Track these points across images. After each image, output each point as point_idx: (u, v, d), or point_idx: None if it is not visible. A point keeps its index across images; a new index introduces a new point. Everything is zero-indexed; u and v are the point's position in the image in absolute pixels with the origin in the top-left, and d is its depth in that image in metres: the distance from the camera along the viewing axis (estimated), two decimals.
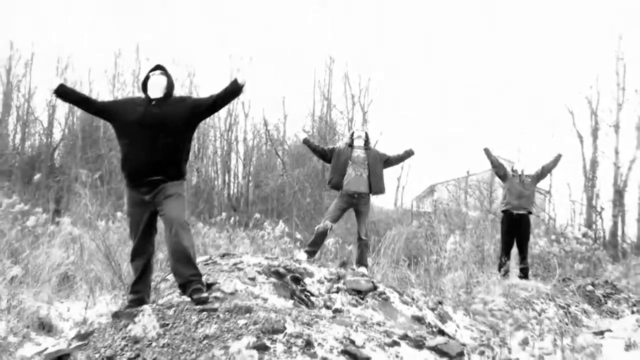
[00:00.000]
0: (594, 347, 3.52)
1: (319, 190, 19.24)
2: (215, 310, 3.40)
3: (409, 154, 6.21)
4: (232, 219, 9.49)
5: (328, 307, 4.30)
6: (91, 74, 23.59)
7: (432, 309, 4.74)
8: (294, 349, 2.95)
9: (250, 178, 22.85)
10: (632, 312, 6.25)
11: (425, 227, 11.91)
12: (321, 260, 6.50)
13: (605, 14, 32.19)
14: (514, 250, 7.22)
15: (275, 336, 3.04)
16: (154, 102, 3.80)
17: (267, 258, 5.09)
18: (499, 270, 6.86)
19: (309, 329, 3.26)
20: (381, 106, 34.28)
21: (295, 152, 21.65)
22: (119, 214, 7.73)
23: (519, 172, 7.17)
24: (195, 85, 23.07)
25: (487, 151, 7.23)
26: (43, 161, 21.10)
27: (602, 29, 33.32)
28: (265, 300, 4.04)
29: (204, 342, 3.03)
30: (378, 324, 3.91)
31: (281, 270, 4.65)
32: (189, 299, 3.64)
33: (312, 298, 4.43)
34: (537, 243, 9.05)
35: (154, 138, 3.66)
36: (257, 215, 9.66)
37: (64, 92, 3.88)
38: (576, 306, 6.21)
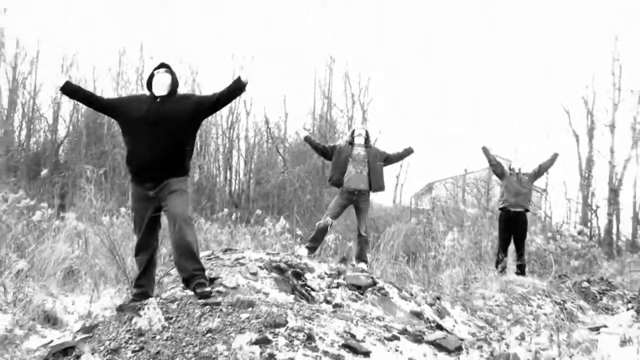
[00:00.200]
0: (589, 342, 3.57)
1: (319, 187, 19.30)
2: (218, 304, 3.43)
3: (408, 152, 6.27)
4: (234, 215, 9.59)
5: (328, 302, 4.34)
6: (95, 72, 24.18)
7: (431, 305, 4.77)
8: (296, 342, 2.99)
9: (251, 175, 22.92)
10: (627, 309, 6.29)
11: (424, 224, 11.96)
12: (321, 256, 6.55)
13: (601, 15, 32.22)
14: (511, 247, 7.29)
15: (277, 330, 3.08)
16: (158, 100, 3.84)
17: (268, 254, 5.13)
18: (497, 266, 6.94)
19: (310, 323, 3.30)
20: (381, 105, 34.26)
21: (296, 150, 21.69)
22: (123, 209, 7.77)
23: (517, 171, 7.23)
24: (199, 83, 23.24)
25: (485, 149, 7.29)
26: (48, 157, 21.12)
27: (599, 30, 33.36)
28: (267, 294, 4.09)
29: (207, 335, 3.06)
30: (378, 318, 3.95)
31: (282, 265, 4.70)
32: (192, 293, 3.68)
33: (313, 293, 4.48)
34: (534, 240, 9.10)
35: (158, 135, 3.69)
36: (258, 212, 9.74)
37: (69, 90, 3.93)
38: (572, 302, 6.26)
